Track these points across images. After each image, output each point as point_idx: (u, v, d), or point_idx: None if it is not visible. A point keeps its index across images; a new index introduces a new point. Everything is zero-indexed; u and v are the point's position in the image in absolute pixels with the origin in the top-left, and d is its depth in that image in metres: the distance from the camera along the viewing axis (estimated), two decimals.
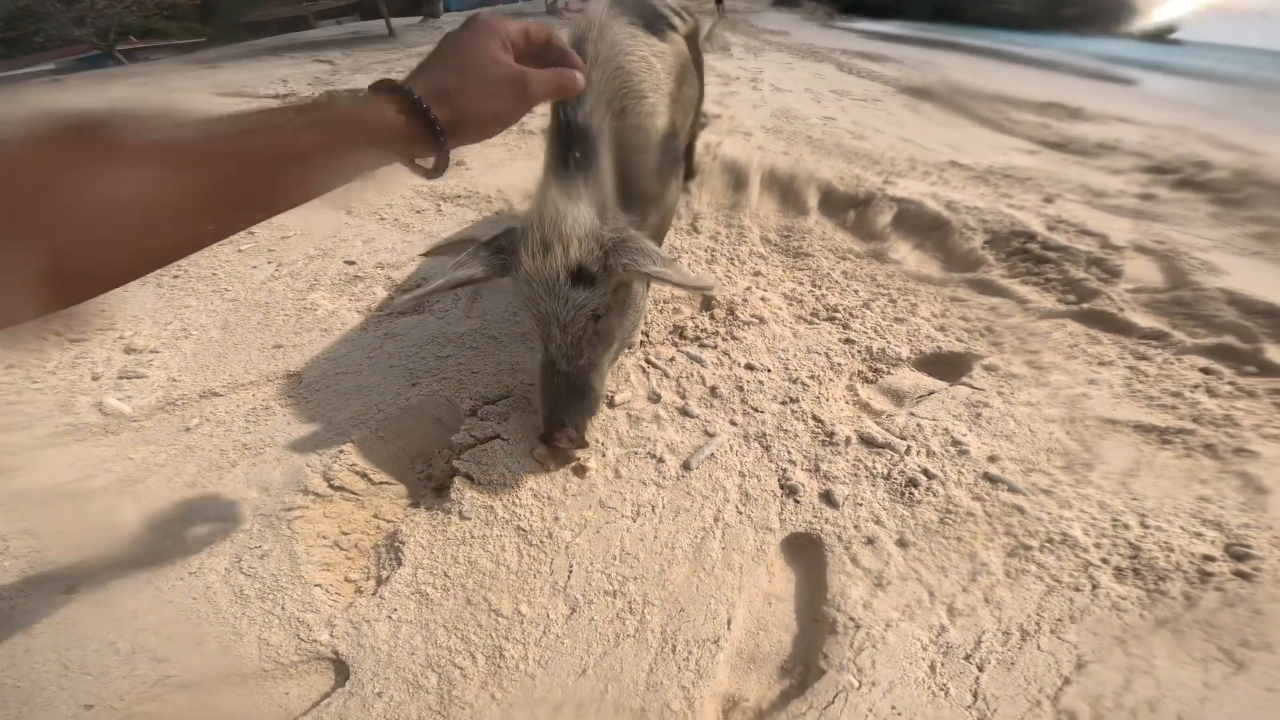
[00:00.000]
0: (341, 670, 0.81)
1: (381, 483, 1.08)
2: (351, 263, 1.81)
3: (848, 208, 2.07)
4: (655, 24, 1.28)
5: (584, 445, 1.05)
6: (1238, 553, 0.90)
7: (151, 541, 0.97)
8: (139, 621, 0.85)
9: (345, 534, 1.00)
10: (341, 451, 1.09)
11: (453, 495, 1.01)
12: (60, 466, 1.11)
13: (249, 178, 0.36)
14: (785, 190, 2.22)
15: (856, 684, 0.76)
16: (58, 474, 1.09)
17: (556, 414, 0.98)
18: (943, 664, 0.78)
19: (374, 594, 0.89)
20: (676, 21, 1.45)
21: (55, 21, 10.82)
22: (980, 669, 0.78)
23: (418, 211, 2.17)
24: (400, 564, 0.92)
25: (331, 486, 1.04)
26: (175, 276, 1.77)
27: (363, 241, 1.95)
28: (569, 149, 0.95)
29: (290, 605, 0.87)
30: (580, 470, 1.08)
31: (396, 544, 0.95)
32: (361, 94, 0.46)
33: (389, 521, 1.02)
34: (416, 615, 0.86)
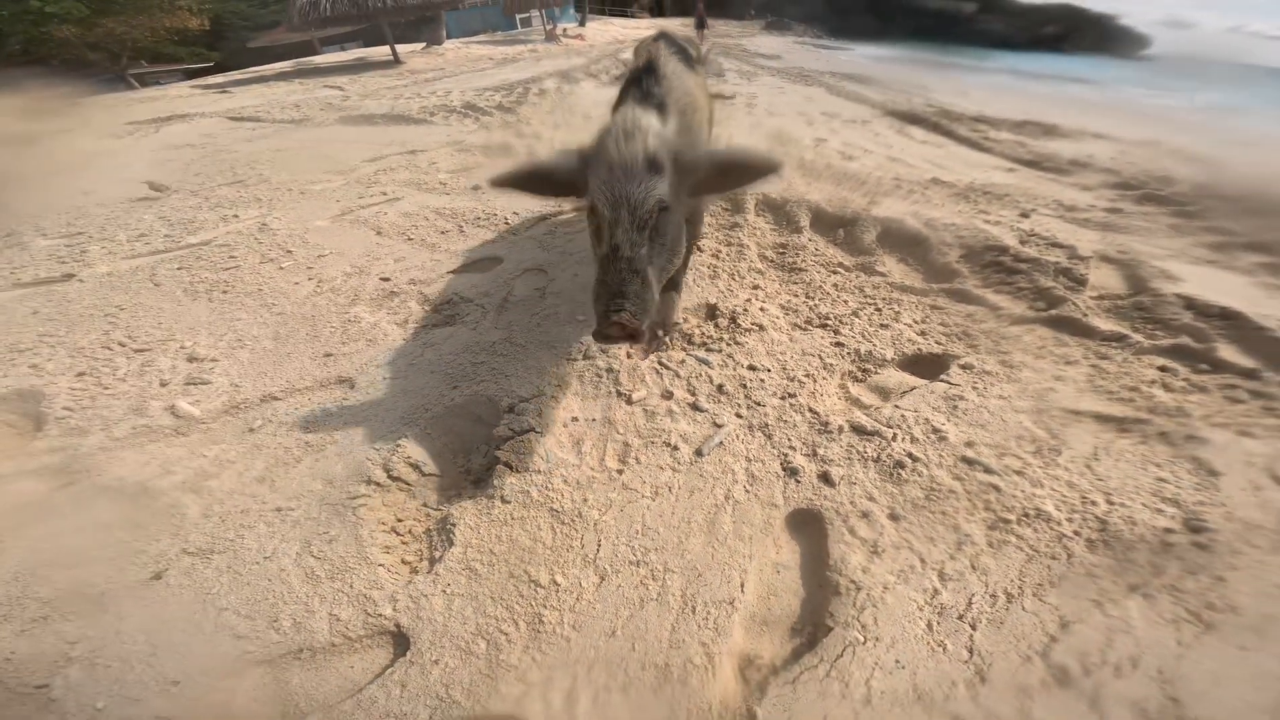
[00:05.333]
0: (400, 642, 0.89)
1: (430, 475, 1.21)
2: (387, 279, 1.96)
3: (837, 226, 2.25)
4: (688, 59, 1.67)
5: (640, 331, 1.01)
6: (1195, 526, 1.00)
7: (228, 529, 1.08)
8: (221, 602, 0.94)
9: (400, 520, 1.12)
10: (398, 446, 1.23)
11: (495, 482, 1.14)
12: (139, 465, 1.24)
13: None
14: (779, 211, 2.40)
15: (862, 639, 0.85)
16: (138, 471, 1.22)
17: (617, 296, 1.00)
18: (938, 623, 0.87)
19: (430, 571, 0.99)
20: (693, 54, 1.86)
21: (72, 46, 11.23)
22: (973, 627, 0.86)
23: (442, 233, 2.34)
24: (451, 544, 1.03)
25: (390, 477, 1.17)
26: (224, 292, 1.92)
27: (394, 260, 2.11)
28: (649, 88, 1.29)
29: (358, 584, 0.97)
30: (628, 399, 1.30)
31: (448, 526, 1.07)
32: None
33: (437, 510, 1.14)
34: (467, 589, 0.96)
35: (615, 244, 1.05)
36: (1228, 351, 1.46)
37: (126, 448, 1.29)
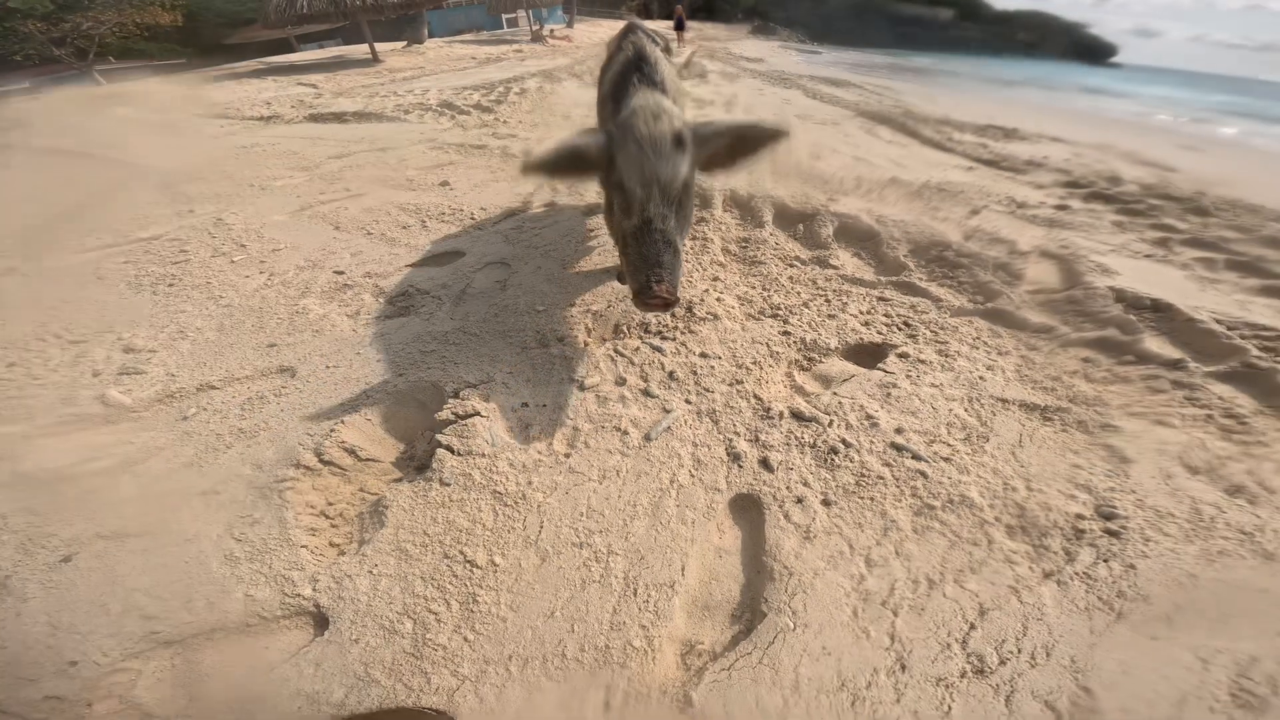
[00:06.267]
0: (321, 623, 0.88)
1: (368, 459, 1.19)
2: (341, 273, 1.93)
3: (797, 221, 2.29)
4: (661, 45, 1.89)
5: (676, 301, 1.16)
6: (1105, 512, 1.03)
7: (148, 513, 1.05)
8: (132, 583, 0.91)
9: (331, 504, 1.10)
10: (333, 430, 1.21)
11: (434, 465, 1.13)
12: (62, 452, 1.20)
13: None
14: (745, 207, 2.44)
15: (792, 625, 0.85)
16: (59, 458, 1.18)
17: (656, 267, 1.12)
18: (863, 609, 0.88)
19: (357, 553, 0.97)
20: (660, 42, 2.01)
21: (36, 41, 10.86)
22: (895, 614, 0.87)
23: (404, 227, 2.31)
24: (383, 525, 1.02)
25: (322, 461, 1.15)
26: (170, 285, 1.87)
27: (351, 254, 2.08)
28: (650, 75, 1.41)
29: (277, 564, 0.95)
30: (580, 385, 1.35)
31: (380, 509, 1.06)
32: None
33: (373, 494, 1.12)
34: (396, 569, 0.94)
35: (648, 217, 1.15)
36: (1155, 343, 1.49)
37: (50, 436, 1.25)
